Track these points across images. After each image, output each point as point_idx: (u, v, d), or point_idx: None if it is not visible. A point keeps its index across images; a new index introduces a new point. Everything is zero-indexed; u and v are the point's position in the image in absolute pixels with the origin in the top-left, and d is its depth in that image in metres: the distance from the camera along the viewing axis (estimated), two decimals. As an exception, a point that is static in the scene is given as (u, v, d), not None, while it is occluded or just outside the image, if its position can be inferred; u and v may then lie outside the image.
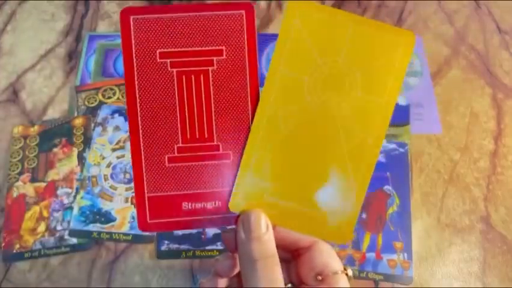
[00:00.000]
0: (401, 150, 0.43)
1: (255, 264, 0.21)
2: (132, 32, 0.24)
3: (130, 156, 0.41)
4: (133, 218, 0.39)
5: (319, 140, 0.25)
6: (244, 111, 0.25)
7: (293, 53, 0.25)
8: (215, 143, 0.25)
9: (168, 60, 0.25)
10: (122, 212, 0.39)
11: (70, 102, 0.47)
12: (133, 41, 0.24)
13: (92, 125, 0.44)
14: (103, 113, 0.45)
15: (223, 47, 0.25)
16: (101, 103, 0.46)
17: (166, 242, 0.38)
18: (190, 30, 0.25)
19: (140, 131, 0.25)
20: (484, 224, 0.41)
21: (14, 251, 0.38)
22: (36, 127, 0.44)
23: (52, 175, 0.42)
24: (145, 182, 0.25)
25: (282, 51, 0.25)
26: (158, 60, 0.25)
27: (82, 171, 0.42)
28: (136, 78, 0.24)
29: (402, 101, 0.46)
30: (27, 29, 0.51)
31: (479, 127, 0.46)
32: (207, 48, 0.25)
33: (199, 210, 0.25)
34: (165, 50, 0.25)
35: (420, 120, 0.46)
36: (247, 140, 0.25)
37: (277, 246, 0.24)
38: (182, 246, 0.38)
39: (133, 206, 0.40)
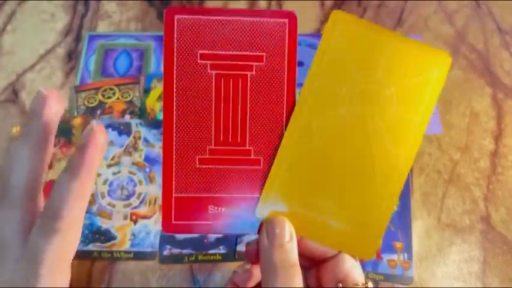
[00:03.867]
0: (401, 150, 0.43)
1: (276, 271, 0.21)
2: (175, 31, 0.24)
3: (125, 172, 0.41)
4: (134, 235, 0.39)
5: (351, 152, 0.25)
6: (279, 119, 0.25)
7: (331, 64, 0.25)
8: (247, 147, 0.25)
9: (208, 62, 0.25)
10: (122, 229, 0.39)
11: (69, 102, 0.47)
12: (175, 40, 0.24)
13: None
14: None
15: (264, 54, 0.25)
16: (101, 103, 0.46)
17: (168, 246, 0.38)
18: (233, 34, 0.25)
19: (174, 130, 0.24)
20: (484, 224, 0.40)
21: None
22: (36, 127, 0.44)
23: (51, 175, 0.41)
24: (173, 182, 0.24)
25: (321, 61, 0.25)
26: (198, 61, 0.25)
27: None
28: (174, 77, 0.24)
29: (402, 101, 0.46)
30: (27, 29, 0.51)
31: (479, 127, 0.46)
32: (247, 53, 0.25)
33: (225, 215, 0.25)
34: (206, 51, 0.25)
35: (421, 120, 0.46)
36: (279, 147, 0.25)
37: (304, 256, 0.24)
38: (185, 251, 0.38)
39: (132, 222, 0.39)
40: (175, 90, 0.24)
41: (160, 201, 0.40)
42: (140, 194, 0.40)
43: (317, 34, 0.52)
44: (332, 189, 0.25)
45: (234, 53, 0.25)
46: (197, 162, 0.24)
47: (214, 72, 0.25)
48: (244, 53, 0.25)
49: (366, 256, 0.25)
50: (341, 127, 0.25)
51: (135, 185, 0.41)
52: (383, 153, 0.25)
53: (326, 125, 0.25)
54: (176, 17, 0.24)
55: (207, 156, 0.25)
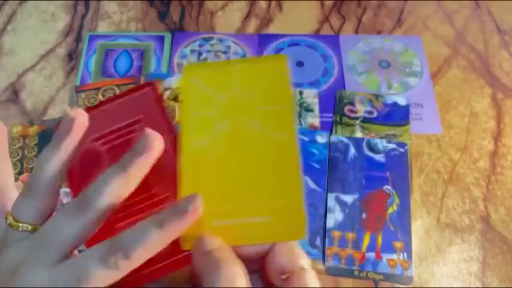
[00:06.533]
0: (401, 150, 0.43)
1: (218, 276, 0.21)
2: None
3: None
4: None
5: (242, 155, 0.28)
6: (172, 157, 0.28)
7: (197, 100, 0.31)
8: (152, 192, 0.27)
9: (98, 143, 0.30)
10: None
11: (70, 102, 0.47)
12: None
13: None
14: None
15: (142, 115, 0.31)
16: (101, 103, 0.46)
17: (166, 243, 0.38)
18: (111, 115, 0.31)
19: None
20: (483, 224, 0.41)
21: (14, 251, 0.38)
22: (35, 127, 0.44)
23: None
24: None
25: (188, 101, 0.31)
26: (90, 144, 0.30)
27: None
28: (76, 167, 0.29)
29: (402, 101, 0.46)
30: (28, 29, 0.52)
31: (478, 127, 0.46)
32: (128, 121, 0.31)
33: (152, 260, 0.26)
34: (95, 136, 0.30)
35: (420, 120, 0.46)
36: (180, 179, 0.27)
37: (246, 261, 0.23)
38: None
39: None
40: (78, 174, 0.28)
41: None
42: (140, 193, 0.41)
43: (316, 35, 0.52)
44: (240, 192, 0.27)
45: (117, 126, 0.31)
46: (115, 223, 0.27)
47: (105, 147, 0.29)
48: (126, 122, 0.31)
49: (298, 235, 0.26)
50: (224, 139, 0.29)
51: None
52: (268, 142, 0.28)
53: (210, 142, 0.29)
54: None
55: (122, 214, 0.27)
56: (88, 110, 0.31)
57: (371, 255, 0.38)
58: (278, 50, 0.50)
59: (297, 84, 0.48)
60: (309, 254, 0.38)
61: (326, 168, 0.42)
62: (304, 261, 0.23)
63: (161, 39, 0.50)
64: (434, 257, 0.39)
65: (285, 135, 0.28)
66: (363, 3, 0.54)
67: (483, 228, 0.40)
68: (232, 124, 0.30)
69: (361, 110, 0.46)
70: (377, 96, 0.47)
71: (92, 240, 0.25)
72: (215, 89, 0.31)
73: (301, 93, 0.47)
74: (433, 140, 0.45)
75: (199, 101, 0.31)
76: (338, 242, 0.38)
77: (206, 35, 0.50)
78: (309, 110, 0.46)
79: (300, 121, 0.45)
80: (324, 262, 0.38)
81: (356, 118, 0.45)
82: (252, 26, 0.52)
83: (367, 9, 0.54)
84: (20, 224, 0.25)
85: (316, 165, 0.42)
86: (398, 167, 0.42)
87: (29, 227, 0.25)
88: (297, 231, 0.26)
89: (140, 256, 0.24)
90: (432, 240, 0.40)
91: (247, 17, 0.53)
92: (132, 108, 0.32)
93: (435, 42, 0.51)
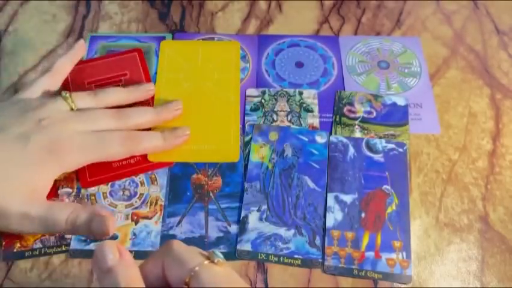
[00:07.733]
0: (400, 150, 0.43)
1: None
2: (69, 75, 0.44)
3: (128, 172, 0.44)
4: (135, 234, 0.39)
5: (199, 105, 0.43)
6: (148, 101, 0.44)
7: (170, 65, 0.46)
8: None
9: (92, 85, 0.44)
10: (124, 229, 0.39)
11: (71, 102, 0.47)
12: (69, 78, 0.44)
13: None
14: None
15: (127, 71, 0.45)
16: (102, 103, 0.46)
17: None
18: (104, 67, 0.46)
19: None
20: (482, 224, 0.41)
21: (15, 250, 0.38)
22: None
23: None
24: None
25: (163, 65, 0.46)
26: (86, 86, 0.44)
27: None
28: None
29: (401, 102, 0.47)
30: (29, 29, 0.52)
31: (477, 127, 0.46)
32: (116, 73, 0.45)
33: (125, 165, 0.40)
34: (90, 79, 0.45)
35: (419, 120, 0.46)
36: None
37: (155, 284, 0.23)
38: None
39: (133, 222, 0.40)
40: None
41: (161, 202, 0.40)
42: (142, 194, 0.41)
43: (316, 35, 0.52)
44: (196, 129, 0.41)
45: (107, 76, 0.45)
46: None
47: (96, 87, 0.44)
48: (115, 74, 0.45)
49: (234, 158, 0.41)
50: (186, 94, 0.44)
51: (137, 186, 0.41)
52: (218, 99, 0.43)
53: (177, 95, 0.43)
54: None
55: None
56: (87, 61, 0.46)
57: (370, 254, 0.38)
58: (278, 51, 0.51)
59: (297, 85, 0.48)
60: (308, 253, 0.38)
61: (326, 168, 0.42)
62: (194, 262, 0.22)
63: (162, 40, 0.50)
64: (433, 256, 0.39)
65: (231, 95, 0.44)
66: (362, 3, 0.55)
67: (482, 228, 0.41)
68: (193, 84, 0.44)
69: (360, 110, 0.46)
70: (376, 96, 0.47)
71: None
72: (184, 59, 0.46)
73: (300, 93, 0.47)
74: (432, 140, 0.45)
75: (172, 66, 0.46)
76: (337, 242, 0.39)
77: (206, 36, 0.51)
78: (308, 110, 0.46)
79: (299, 121, 0.45)
80: (323, 261, 0.38)
81: (355, 118, 0.46)
82: (252, 27, 0.52)
83: (366, 10, 0.54)
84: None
85: (315, 165, 0.42)
86: (397, 166, 0.42)
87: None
88: (233, 155, 0.41)
89: (144, 151, 0.39)
90: (431, 239, 0.40)
91: (247, 18, 0.53)
92: (121, 65, 0.45)
93: (434, 43, 0.52)
